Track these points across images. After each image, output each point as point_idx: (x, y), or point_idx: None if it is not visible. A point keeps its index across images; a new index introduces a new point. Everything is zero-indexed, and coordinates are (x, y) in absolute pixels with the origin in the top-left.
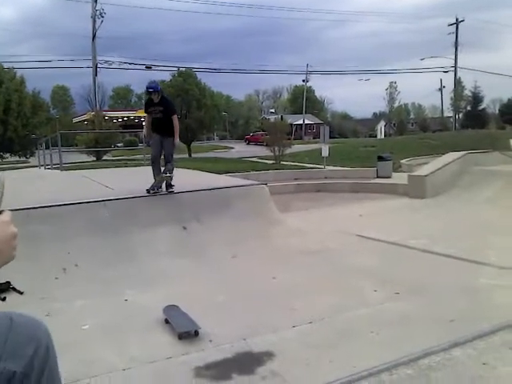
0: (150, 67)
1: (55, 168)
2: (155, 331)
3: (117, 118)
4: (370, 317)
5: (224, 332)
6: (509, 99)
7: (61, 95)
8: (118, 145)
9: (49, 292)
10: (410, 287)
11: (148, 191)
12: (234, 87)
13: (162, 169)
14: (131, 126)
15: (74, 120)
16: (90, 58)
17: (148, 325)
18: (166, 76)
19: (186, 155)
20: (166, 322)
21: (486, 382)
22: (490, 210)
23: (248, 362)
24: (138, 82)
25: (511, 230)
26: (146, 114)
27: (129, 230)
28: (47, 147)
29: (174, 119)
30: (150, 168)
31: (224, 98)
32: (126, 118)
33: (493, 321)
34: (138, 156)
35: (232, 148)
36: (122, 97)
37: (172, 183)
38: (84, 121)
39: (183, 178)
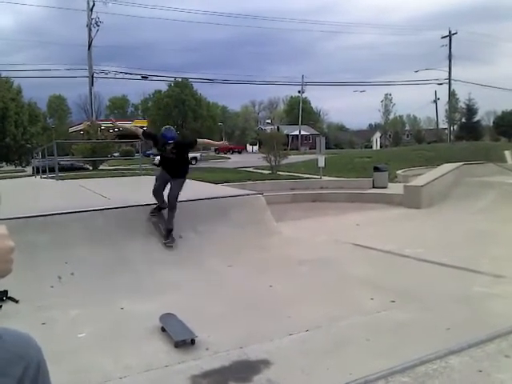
0: (147, 77)
1: (51, 177)
2: (151, 339)
3: (113, 127)
4: (366, 325)
5: (220, 340)
6: (503, 111)
7: (57, 104)
8: (115, 154)
9: (45, 300)
10: (406, 295)
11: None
12: (230, 98)
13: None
14: (128, 135)
15: (70, 130)
16: (87, 67)
17: (144, 333)
18: (163, 86)
19: None
20: (163, 330)
21: None
22: (484, 220)
23: (244, 370)
24: (134, 91)
25: (505, 239)
26: (139, 125)
27: (125, 239)
28: (43, 156)
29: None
30: (146, 178)
31: (220, 108)
32: (122, 128)
33: (488, 329)
34: (134, 166)
35: (229, 158)
36: (118, 107)
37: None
38: (80, 130)
39: None
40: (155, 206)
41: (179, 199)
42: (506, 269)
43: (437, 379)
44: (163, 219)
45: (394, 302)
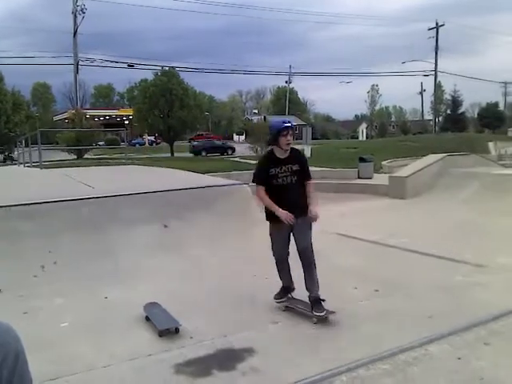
0: (133, 66)
1: (35, 166)
2: (135, 328)
3: (98, 116)
4: (350, 313)
5: (205, 329)
6: (487, 103)
7: (42, 92)
8: (100, 143)
9: (27, 289)
10: (390, 284)
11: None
12: (218, 87)
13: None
14: (113, 124)
15: (55, 118)
16: (72, 55)
17: (128, 322)
18: (149, 75)
19: (169, 154)
20: (147, 319)
21: (461, 376)
22: (468, 211)
23: (229, 358)
24: (120, 80)
25: (487, 229)
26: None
27: (110, 229)
28: (27, 145)
29: (311, 186)
30: (131, 167)
31: (207, 97)
32: (107, 117)
33: (469, 317)
34: (119, 155)
35: None
36: (103, 95)
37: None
38: (65, 119)
39: (166, 176)
40: (281, 288)
41: (165, 188)
42: (489, 258)
43: (416, 367)
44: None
45: (377, 291)
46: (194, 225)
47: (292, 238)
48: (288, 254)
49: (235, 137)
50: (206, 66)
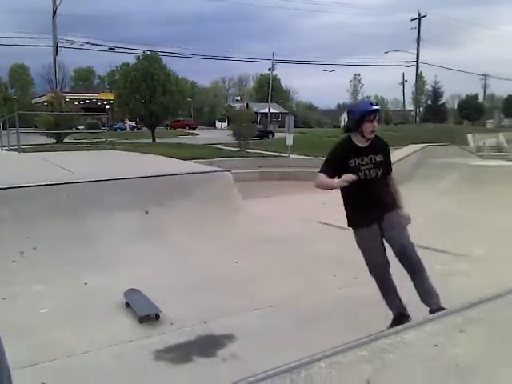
0: (114, 49)
1: (13, 150)
2: (115, 315)
3: (78, 100)
4: (329, 301)
5: (185, 315)
6: (467, 95)
7: (19, 74)
8: (80, 127)
9: (6, 275)
10: (367, 272)
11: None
12: (200, 73)
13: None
14: (93, 109)
15: (34, 101)
16: (51, 36)
17: (108, 308)
18: (131, 59)
19: (150, 140)
20: (127, 305)
21: (437, 363)
22: (447, 201)
23: (209, 344)
24: (101, 63)
25: (466, 219)
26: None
27: (89, 214)
28: (4, 128)
29: (394, 180)
30: (112, 152)
31: (189, 84)
32: (87, 101)
33: (445, 305)
34: (99, 140)
35: (197, 134)
36: (83, 78)
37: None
38: (44, 102)
39: (147, 162)
40: (396, 316)
41: (146, 174)
42: (467, 248)
43: (392, 353)
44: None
45: (355, 278)
46: (176, 211)
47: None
48: (388, 263)
49: (217, 124)
50: (189, 52)
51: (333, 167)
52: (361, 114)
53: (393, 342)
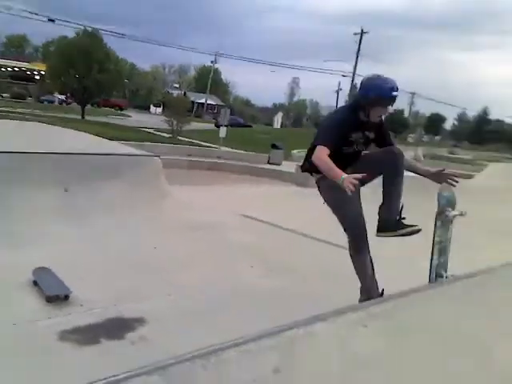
0: (54, 21)
1: None
2: (21, 293)
3: (6, 66)
4: (243, 290)
5: (97, 297)
6: (395, 110)
7: None
8: (3, 95)
9: None
10: (284, 266)
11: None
12: (142, 57)
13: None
14: (21, 77)
15: None
16: None
17: (14, 287)
18: (70, 32)
19: (79, 116)
20: (35, 283)
21: (340, 355)
22: (365, 201)
23: (119, 327)
24: (37, 33)
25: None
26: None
27: (7, 187)
28: None
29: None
30: (34, 124)
31: (129, 64)
32: (16, 69)
33: (351, 300)
34: (24, 110)
35: (129, 116)
36: (15, 45)
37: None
38: None
39: (73, 139)
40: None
41: (70, 151)
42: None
43: (300, 344)
44: None
45: (271, 271)
46: (99, 192)
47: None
48: (366, 230)
49: (152, 108)
50: (132, 33)
51: (336, 140)
52: (378, 94)
53: (302, 333)
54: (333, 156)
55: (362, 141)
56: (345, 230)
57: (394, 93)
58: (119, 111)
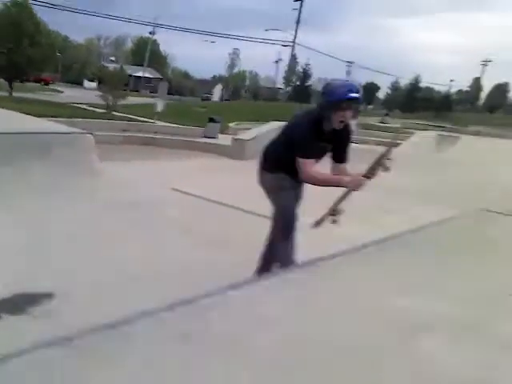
0: None
1: None
2: None
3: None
4: (165, 264)
5: (4, 276)
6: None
7: None
8: None
9: None
10: (214, 239)
11: None
12: (75, 29)
13: None
14: None
15: None
16: None
17: None
18: None
19: (6, 93)
20: None
21: (252, 318)
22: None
23: (24, 302)
24: None
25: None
26: None
27: None
28: None
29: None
30: None
31: (61, 37)
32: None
33: None
34: None
35: (61, 92)
36: None
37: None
38: None
39: None
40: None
41: None
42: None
43: (214, 310)
44: None
45: (201, 243)
46: (26, 173)
47: None
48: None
49: (86, 83)
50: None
51: (311, 152)
52: (337, 98)
53: (217, 300)
54: (291, 154)
55: (320, 151)
56: (276, 220)
57: (352, 94)
58: (45, 86)
